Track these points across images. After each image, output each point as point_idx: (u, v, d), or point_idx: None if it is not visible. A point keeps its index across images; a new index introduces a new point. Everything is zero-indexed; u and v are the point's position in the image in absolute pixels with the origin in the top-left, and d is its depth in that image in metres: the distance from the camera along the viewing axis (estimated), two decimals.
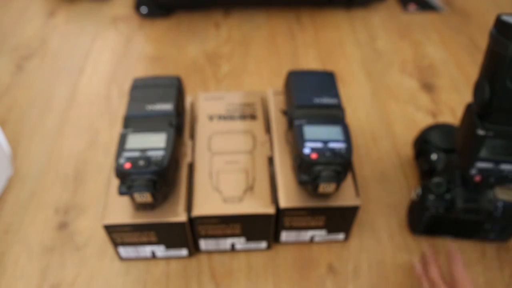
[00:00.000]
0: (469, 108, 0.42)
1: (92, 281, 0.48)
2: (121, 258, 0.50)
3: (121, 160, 0.42)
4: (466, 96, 0.71)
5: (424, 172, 0.54)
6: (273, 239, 0.51)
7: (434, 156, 0.52)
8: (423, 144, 0.56)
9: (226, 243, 0.49)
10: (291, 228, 0.49)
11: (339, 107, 0.48)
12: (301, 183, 0.44)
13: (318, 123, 0.46)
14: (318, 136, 0.45)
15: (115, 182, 0.47)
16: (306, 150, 0.43)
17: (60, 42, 0.81)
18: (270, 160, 0.50)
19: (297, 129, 0.46)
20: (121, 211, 0.45)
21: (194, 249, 0.50)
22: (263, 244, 0.50)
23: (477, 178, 0.44)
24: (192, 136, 0.53)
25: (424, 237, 0.53)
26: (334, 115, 0.47)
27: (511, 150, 0.41)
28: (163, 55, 0.79)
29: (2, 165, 0.56)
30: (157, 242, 0.47)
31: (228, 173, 0.48)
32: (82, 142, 0.63)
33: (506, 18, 0.36)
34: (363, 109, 0.69)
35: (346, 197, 0.47)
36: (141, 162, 0.41)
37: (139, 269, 0.49)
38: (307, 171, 0.43)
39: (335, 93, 0.49)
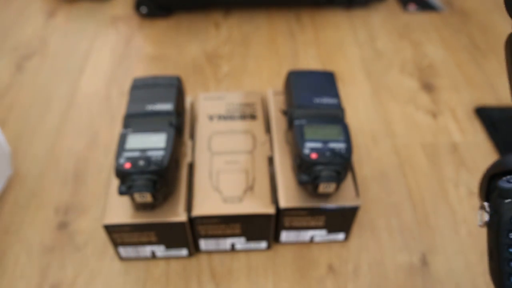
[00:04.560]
0: None
1: (92, 281, 0.48)
2: (121, 258, 0.50)
3: (121, 160, 0.42)
4: (466, 96, 0.71)
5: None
6: (273, 239, 0.51)
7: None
8: (490, 181, 0.36)
9: (226, 243, 0.49)
10: (291, 228, 0.49)
11: (339, 107, 0.48)
12: (301, 183, 0.44)
13: (318, 123, 0.46)
14: (318, 136, 0.45)
15: (115, 182, 0.47)
16: (306, 150, 0.43)
17: (60, 42, 0.81)
18: (270, 160, 0.50)
19: (297, 129, 0.45)
20: (121, 211, 0.45)
21: (194, 249, 0.50)
22: (263, 244, 0.50)
23: None
24: (192, 136, 0.53)
25: None
26: (334, 115, 0.47)
27: None
28: (163, 55, 0.79)
29: (2, 165, 0.56)
30: (157, 242, 0.47)
31: (228, 173, 0.48)
32: (82, 142, 0.63)
33: None
34: (363, 109, 0.69)
35: (346, 197, 0.47)
36: (141, 162, 0.41)
37: (139, 269, 0.49)
38: (307, 171, 0.43)
39: (335, 93, 0.49)
